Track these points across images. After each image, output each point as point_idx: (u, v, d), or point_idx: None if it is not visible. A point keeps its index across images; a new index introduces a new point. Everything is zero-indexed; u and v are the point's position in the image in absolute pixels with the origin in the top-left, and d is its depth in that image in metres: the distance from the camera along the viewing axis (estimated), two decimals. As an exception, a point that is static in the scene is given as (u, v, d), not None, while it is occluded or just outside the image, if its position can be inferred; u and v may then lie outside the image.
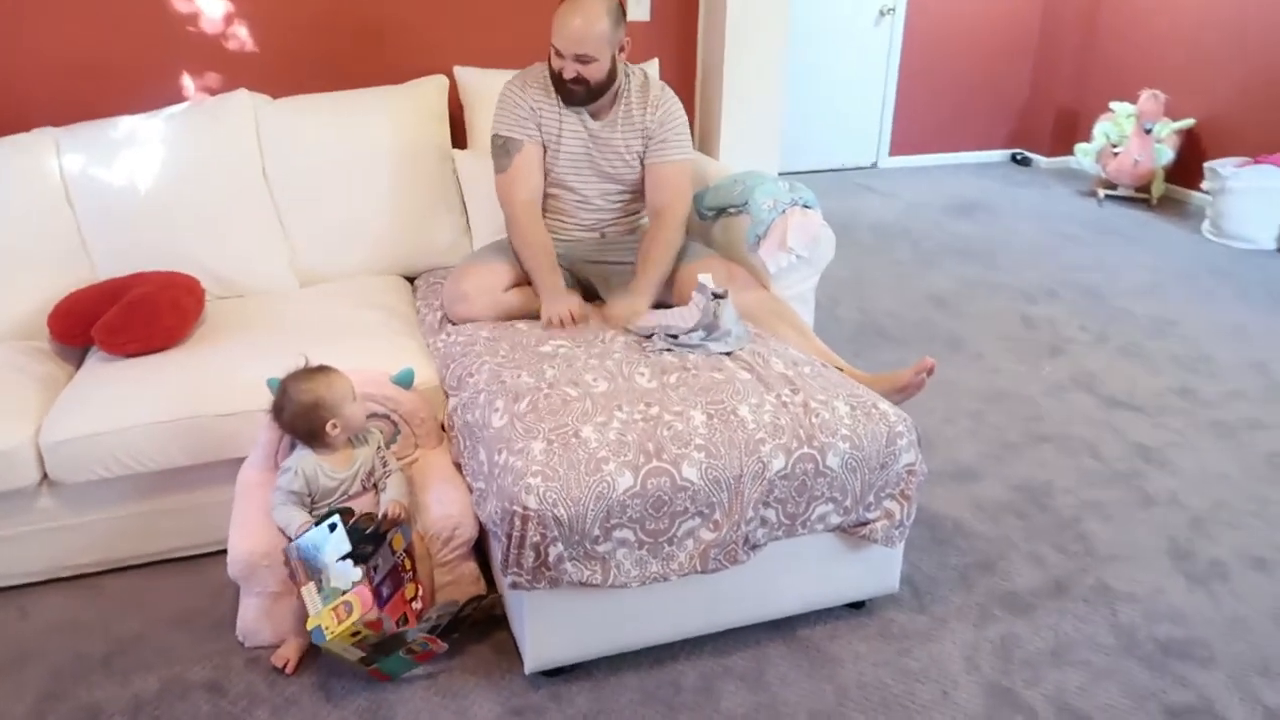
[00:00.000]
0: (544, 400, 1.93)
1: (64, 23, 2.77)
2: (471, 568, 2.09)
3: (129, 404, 2.14)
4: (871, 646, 2.02)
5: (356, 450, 2.03)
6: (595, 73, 2.33)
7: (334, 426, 1.93)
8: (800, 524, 1.89)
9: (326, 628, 1.73)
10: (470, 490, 2.03)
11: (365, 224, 2.82)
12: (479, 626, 2.04)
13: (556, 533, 1.70)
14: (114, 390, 2.19)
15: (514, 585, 1.75)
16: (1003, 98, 6.35)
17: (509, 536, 1.72)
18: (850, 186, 5.86)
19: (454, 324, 2.42)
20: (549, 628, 1.84)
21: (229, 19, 2.92)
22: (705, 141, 3.44)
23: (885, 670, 1.95)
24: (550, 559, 1.72)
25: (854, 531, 1.95)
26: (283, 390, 1.95)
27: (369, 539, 1.84)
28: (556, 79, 2.38)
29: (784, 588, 1.99)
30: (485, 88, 2.98)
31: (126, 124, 2.67)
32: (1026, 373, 3.29)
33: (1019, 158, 6.45)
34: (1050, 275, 4.26)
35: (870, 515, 1.95)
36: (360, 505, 1.99)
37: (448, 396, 2.23)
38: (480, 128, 2.98)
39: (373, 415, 2.17)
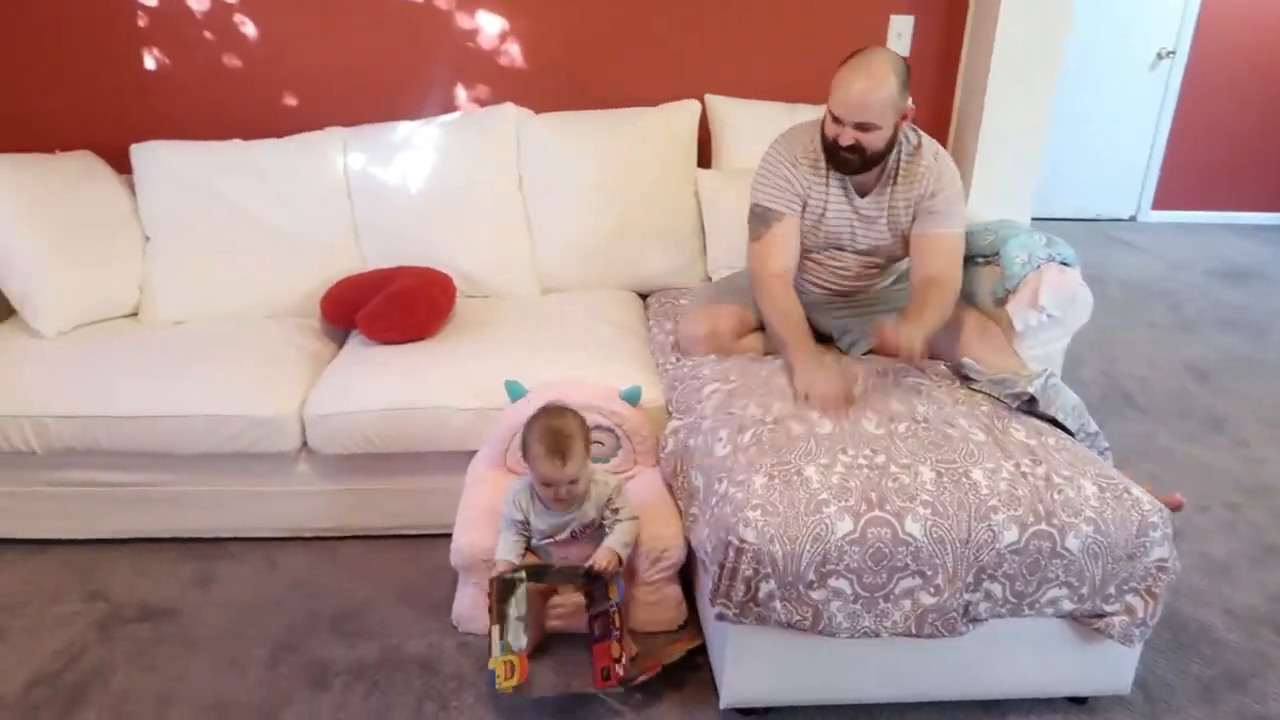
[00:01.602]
0: (768, 435, 1.91)
1: (360, 33, 3.04)
2: (675, 592, 2.10)
3: (380, 388, 2.31)
4: (1091, 747, 1.86)
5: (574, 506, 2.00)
6: (875, 141, 2.13)
7: (556, 498, 1.93)
8: (1028, 604, 1.77)
9: (499, 675, 1.83)
10: (681, 514, 2.04)
11: (607, 239, 2.91)
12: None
13: (770, 570, 1.68)
14: (370, 374, 2.37)
15: (720, 617, 1.74)
16: (1292, 154, 5.73)
17: (721, 567, 1.71)
18: (1104, 239, 5.46)
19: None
20: (750, 665, 1.82)
21: (504, 36, 3.10)
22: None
23: (1105, 776, 1.79)
24: (760, 595, 1.70)
25: (1087, 622, 1.80)
26: (537, 426, 1.92)
27: (582, 577, 1.93)
28: (830, 146, 2.19)
29: (1001, 668, 1.87)
30: (735, 116, 3.02)
31: (405, 128, 2.89)
32: (1299, 468, 2.93)
33: (1306, 222, 5.79)
34: (1336, 359, 3.79)
35: (1108, 608, 1.79)
36: (576, 554, 1.99)
37: (670, 417, 2.26)
38: (727, 152, 3.02)
39: (597, 428, 2.23)
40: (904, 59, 2.16)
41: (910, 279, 2.34)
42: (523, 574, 1.91)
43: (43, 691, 1.94)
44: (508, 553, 1.96)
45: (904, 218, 2.29)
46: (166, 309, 2.71)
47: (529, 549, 2.03)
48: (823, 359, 2.20)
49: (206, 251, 2.77)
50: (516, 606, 1.88)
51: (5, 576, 2.30)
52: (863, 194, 2.29)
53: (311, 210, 2.83)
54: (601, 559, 1.93)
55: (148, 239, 2.79)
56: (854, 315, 2.47)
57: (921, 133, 2.30)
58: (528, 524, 1.99)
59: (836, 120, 2.14)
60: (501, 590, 1.89)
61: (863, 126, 2.10)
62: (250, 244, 2.79)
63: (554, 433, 1.88)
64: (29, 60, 2.97)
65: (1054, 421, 2.06)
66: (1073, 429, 2.07)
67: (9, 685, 1.96)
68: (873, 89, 2.07)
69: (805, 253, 2.40)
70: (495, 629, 1.86)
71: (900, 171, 2.26)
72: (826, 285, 2.47)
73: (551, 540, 2.00)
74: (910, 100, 2.18)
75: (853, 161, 2.18)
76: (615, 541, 1.96)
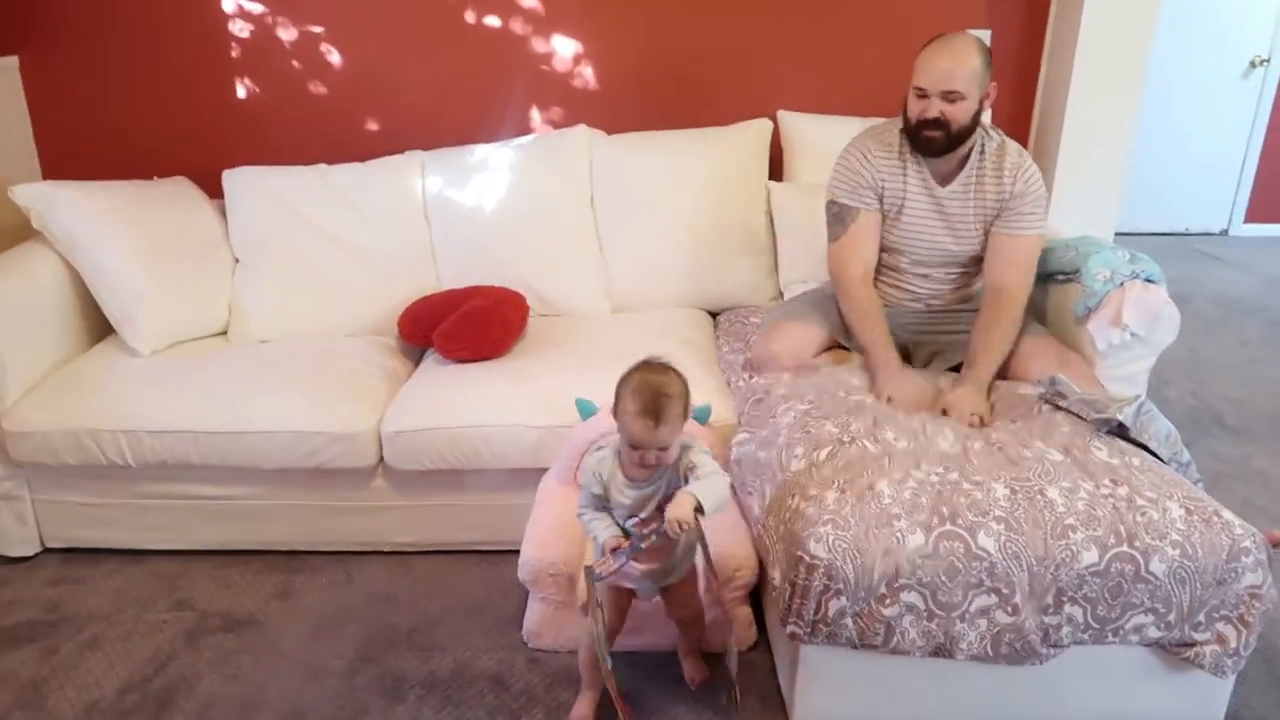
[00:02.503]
0: (843, 451, 1.89)
1: (439, 59, 3.13)
2: (746, 612, 2.09)
3: (455, 406, 2.35)
4: (1181, 783, 1.78)
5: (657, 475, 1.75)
6: (961, 114, 2.14)
7: (642, 463, 1.67)
8: (1111, 631, 1.71)
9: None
10: (750, 528, 2.03)
11: (678, 258, 2.93)
12: (749, 674, 2.03)
13: (841, 585, 1.66)
14: (444, 392, 2.42)
15: (792, 636, 1.73)
16: (1399, 164, 5.45)
17: (792, 585, 1.70)
18: (1194, 254, 5.27)
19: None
20: (821, 687, 1.80)
21: (577, 59, 3.15)
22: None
23: (1196, 814, 1.71)
24: (831, 612, 1.68)
25: (1176, 651, 1.74)
26: (634, 379, 1.68)
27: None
28: (914, 127, 2.20)
29: (1083, 698, 1.81)
30: (808, 132, 3.00)
31: (481, 151, 2.96)
32: None
33: None
34: None
35: (1198, 636, 1.72)
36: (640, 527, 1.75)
37: (738, 433, 2.25)
38: (799, 168, 3.01)
39: (667, 445, 2.23)
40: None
41: (984, 281, 2.33)
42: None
43: (134, 697, 2.02)
44: (607, 530, 1.73)
45: (990, 212, 2.27)
46: (254, 328, 2.81)
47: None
48: (905, 366, 2.24)
49: (291, 273, 2.87)
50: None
51: (101, 585, 2.41)
52: (943, 183, 2.28)
53: (390, 231, 2.91)
54: (675, 513, 1.61)
55: (237, 261, 2.90)
56: (931, 334, 2.43)
57: (1003, 133, 2.30)
58: (607, 499, 1.75)
59: (921, 94, 2.16)
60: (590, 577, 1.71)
61: (948, 96, 2.12)
62: (332, 265, 2.88)
63: (651, 390, 1.62)
64: (129, 91, 3.14)
65: (1145, 448, 1.99)
66: (1165, 458, 2.00)
67: (103, 690, 2.04)
68: (959, 57, 2.12)
69: (887, 252, 2.39)
70: (599, 626, 1.70)
71: (988, 165, 2.25)
72: (908, 290, 2.43)
73: (636, 519, 1.74)
74: (993, 81, 2.20)
75: (938, 139, 2.17)
76: (698, 487, 1.65)
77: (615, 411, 1.68)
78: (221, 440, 2.33)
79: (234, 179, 2.91)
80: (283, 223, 2.88)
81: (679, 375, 1.69)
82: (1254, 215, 5.62)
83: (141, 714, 1.97)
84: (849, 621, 1.69)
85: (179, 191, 2.94)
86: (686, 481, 1.70)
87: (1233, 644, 1.71)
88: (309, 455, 2.34)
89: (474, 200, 2.91)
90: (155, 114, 3.17)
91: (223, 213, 2.94)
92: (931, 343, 2.41)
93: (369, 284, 2.88)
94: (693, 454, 1.73)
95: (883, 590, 1.67)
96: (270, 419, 2.33)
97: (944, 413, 2.12)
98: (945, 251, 2.34)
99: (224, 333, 2.85)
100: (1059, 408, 2.07)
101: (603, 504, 1.76)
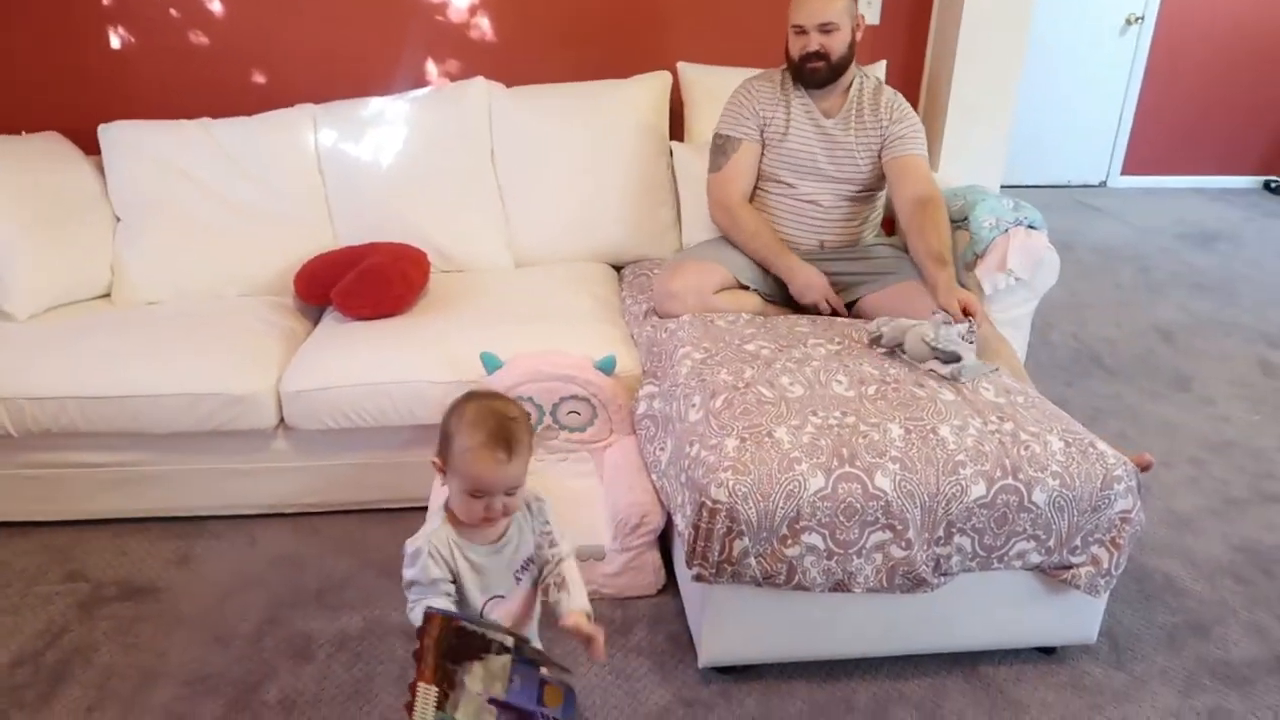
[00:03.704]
0: (739, 399, 1.94)
1: (329, 8, 3.02)
2: (655, 558, 2.13)
3: (357, 364, 2.32)
4: (1060, 696, 1.91)
5: (508, 528, 1.42)
6: (838, 44, 2.38)
7: (486, 516, 1.34)
8: (996, 558, 1.81)
9: None
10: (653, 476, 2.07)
11: (580, 211, 2.92)
12: (655, 620, 2.08)
13: (744, 527, 1.71)
14: (345, 350, 2.38)
15: (697, 577, 1.77)
16: (1259, 117, 5.79)
17: (696, 528, 1.74)
18: (1074, 205, 5.52)
19: (660, 317, 2.47)
20: (726, 625, 1.86)
21: (473, 10, 3.09)
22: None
23: (1073, 723, 1.84)
24: (735, 553, 1.73)
25: (1055, 574, 1.85)
26: (468, 410, 1.36)
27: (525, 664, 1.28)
28: (797, 64, 2.43)
29: (971, 621, 1.91)
30: (707, 84, 3.01)
31: (375, 104, 2.88)
32: (1261, 424, 2.99)
33: (1273, 185, 5.87)
34: (1300, 319, 3.86)
35: (1075, 559, 1.84)
36: (506, 613, 1.43)
37: (644, 382, 2.28)
38: (699, 123, 3.02)
39: (572, 397, 2.25)
40: None
41: (897, 206, 2.49)
42: (508, 640, 1.25)
43: (26, 671, 1.95)
44: (443, 603, 1.33)
45: (874, 140, 2.49)
46: (139, 290, 2.70)
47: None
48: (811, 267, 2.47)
49: (178, 232, 2.75)
50: (486, 678, 1.23)
51: (-16, 559, 2.31)
52: (828, 116, 2.50)
53: (283, 188, 2.82)
54: (579, 625, 1.37)
55: (118, 220, 2.78)
56: (847, 272, 2.52)
57: (878, 74, 2.57)
58: (455, 580, 1.36)
59: (800, 31, 2.40)
60: (450, 637, 1.21)
61: (825, 28, 2.37)
62: (222, 223, 2.77)
63: (496, 416, 1.33)
64: (-10, 41, 2.94)
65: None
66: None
67: (-8, 665, 1.97)
68: None
69: (774, 184, 2.54)
70: (431, 688, 1.18)
71: (865, 98, 2.50)
72: (801, 224, 2.54)
73: (497, 598, 1.41)
74: (860, 15, 2.45)
75: (821, 70, 2.42)
76: (582, 601, 1.42)
77: (444, 455, 1.36)
78: (109, 405, 2.24)
79: (111, 134, 2.77)
80: (166, 180, 2.76)
81: (513, 401, 1.43)
82: (1130, 168, 5.92)
83: (35, 688, 1.90)
84: (752, 562, 1.75)
85: (50, 147, 2.78)
86: (541, 548, 1.46)
87: (1105, 565, 1.84)
88: (205, 418, 2.27)
89: (370, 155, 2.84)
90: (21, 64, 2.97)
91: (100, 169, 2.80)
92: (834, 282, 2.49)
93: (261, 242, 2.80)
94: (548, 514, 1.47)
95: (784, 531, 1.73)
96: (161, 382, 2.25)
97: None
98: (831, 178, 2.52)
99: (107, 295, 2.73)
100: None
101: (449, 588, 1.35)
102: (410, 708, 1.19)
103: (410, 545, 1.37)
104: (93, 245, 2.71)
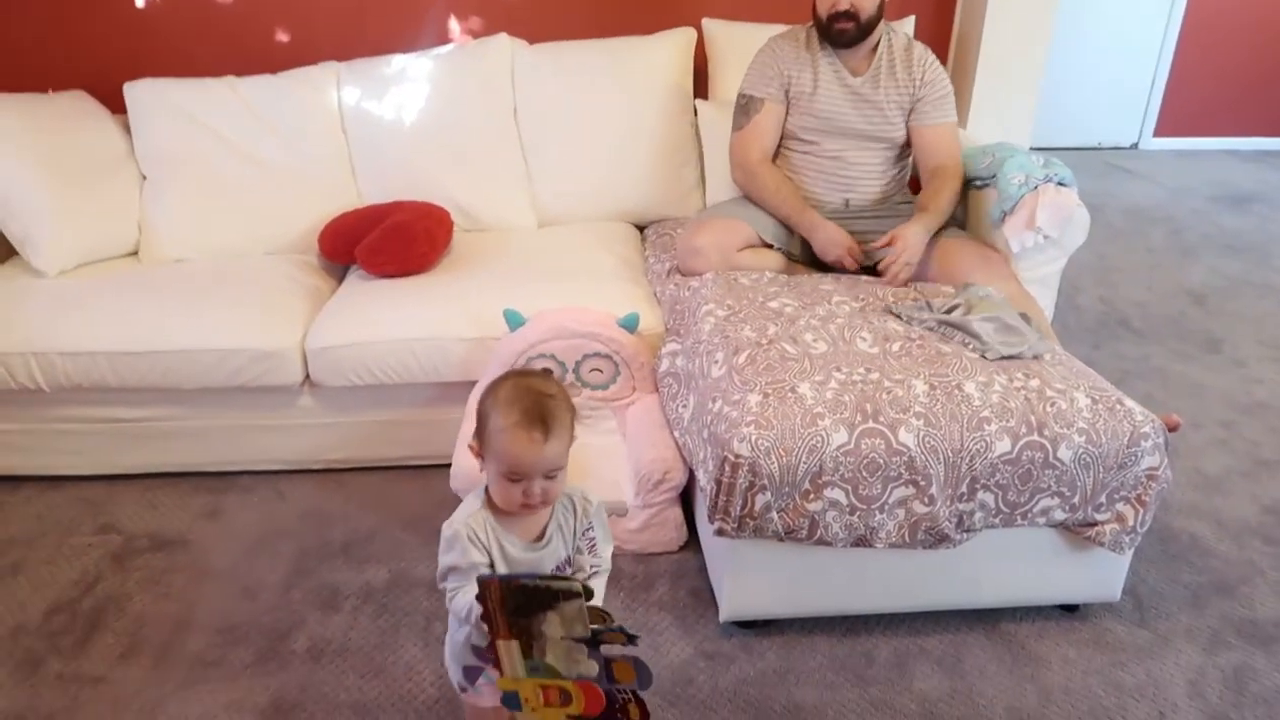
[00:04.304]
0: (762, 355, 1.93)
1: (352, -35, 3.01)
2: (676, 514, 2.14)
3: (381, 321, 2.33)
4: (1082, 653, 1.91)
5: (548, 519, 1.35)
6: (868, 4, 2.34)
7: (525, 501, 1.27)
8: (1020, 515, 1.80)
9: (527, 700, 1.23)
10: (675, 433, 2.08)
11: (604, 170, 2.91)
12: (677, 575, 2.09)
13: (766, 482, 1.71)
14: (370, 307, 2.39)
15: (719, 532, 1.78)
16: (1299, 77, 5.66)
17: (718, 483, 1.74)
18: (1105, 167, 5.42)
19: (684, 275, 2.46)
20: (748, 580, 1.87)
21: (496, -35, 3.06)
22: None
23: (1096, 680, 1.84)
24: (757, 508, 1.73)
25: (1079, 531, 1.84)
26: (503, 388, 1.28)
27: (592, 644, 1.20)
28: (825, 23, 2.39)
29: (994, 577, 1.91)
30: (732, 40, 2.97)
31: (399, 61, 2.87)
32: (1294, 386, 2.95)
33: (1311, 147, 5.74)
34: (1336, 281, 3.79)
35: (1100, 516, 1.83)
36: None
37: (667, 340, 2.28)
38: (724, 80, 2.99)
39: (595, 355, 2.26)
40: None
41: (920, 172, 2.53)
42: (575, 585, 1.14)
43: (61, 618, 1.99)
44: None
45: (905, 99, 2.47)
46: (166, 247, 2.72)
47: None
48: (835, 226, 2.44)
49: (204, 190, 2.77)
50: (564, 623, 1.16)
51: (19, 512, 2.35)
52: (855, 75, 2.47)
53: (307, 146, 2.82)
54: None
55: (144, 178, 2.79)
56: (873, 230, 2.48)
57: (908, 31, 2.56)
58: (492, 567, 1.30)
59: None
60: (513, 596, 1.15)
61: None
62: (247, 181, 2.78)
63: (532, 394, 1.26)
64: (19, 0, 2.94)
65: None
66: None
67: (29, 614, 2.01)
68: None
69: (803, 142, 2.52)
70: (514, 643, 1.18)
71: (896, 55, 2.47)
72: (828, 180, 2.53)
73: None
74: None
75: (849, 31, 2.37)
76: (599, 600, 1.34)
77: (481, 437, 1.29)
78: (139, 360, 2.27)
79: (136, 92, 2.78)
80: (191, 137, 2.77)
81: (555, 379, 1.36)
82: (1162, 130, 5.80)
83: (71, 635, 1.95)
84: (774, 516, 1.75)
85: (77, 105, 2.80)
86: (581, 552, 1.38)
87: (1130, 522, 1.83)
88: (232, 374, 2.29)
89: (393, 113, 2.83)
90: (47, 23, 2.98)
91: (126, 128, 2.81)
92: (860, 241, 2.46)
93: (286, 201, 2.81)
94: (593, 517, 1.39)
95: (807, 486, 1.73)
96: (190, 337, 2.28)
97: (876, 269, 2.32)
98: (861, 134, 2.49)
99: (135, 253, 2.75)
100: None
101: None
102: (499, 666, 1.19)
103: (447, 529, 1.29)
104: (120, 203, 2.73)
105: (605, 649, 1.20)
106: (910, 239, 2.30)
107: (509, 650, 1.19)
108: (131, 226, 2.73)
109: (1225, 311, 3.49)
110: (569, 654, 1.18)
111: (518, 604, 1.15)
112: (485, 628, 1.17)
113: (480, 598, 1.16)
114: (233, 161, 2.78)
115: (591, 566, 1.40)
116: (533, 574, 1.20)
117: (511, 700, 1.24)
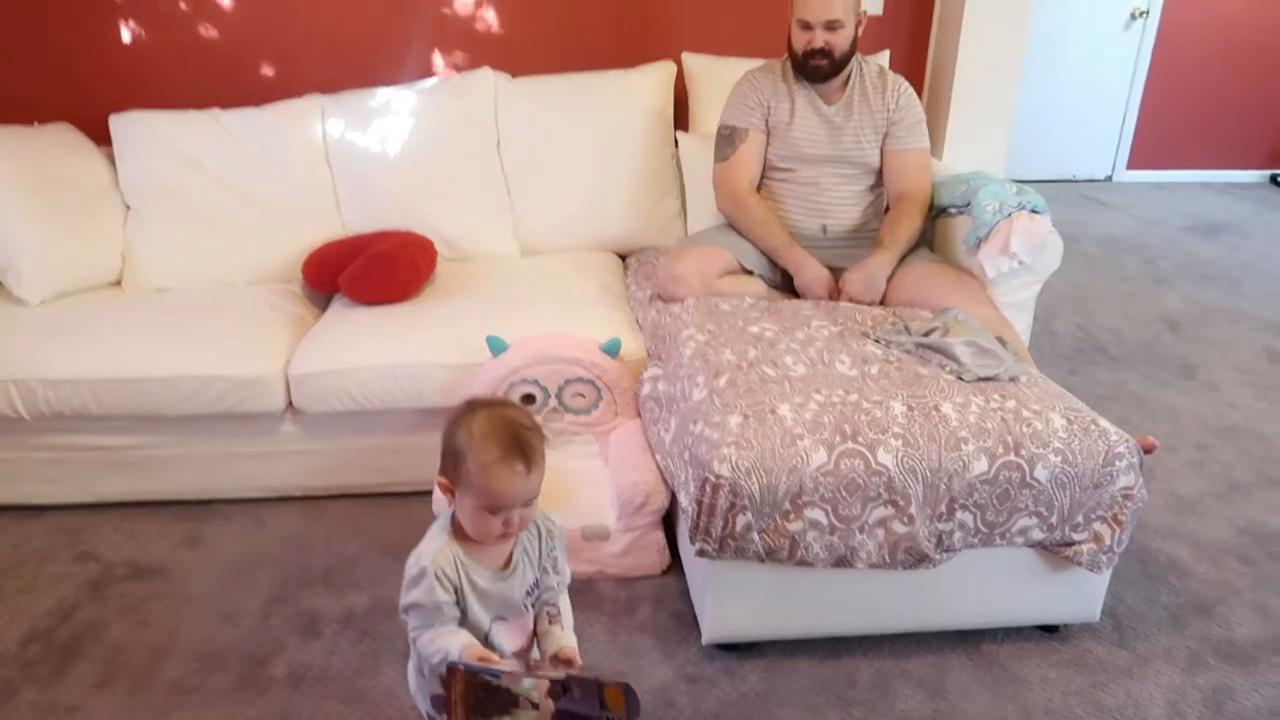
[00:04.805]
0: (743, 378, 1.95)
1: (337, 0, 3.05)
2: (659, 537, 2.15)
3: (364, 347, 2.34)
4: (1063, 674, 1.91)
5: (513, 545, 1.35)
6: (841, 41, 2.40)
7: (504, 531, 1.27)
8: (999, 534, 1.82)
9: None
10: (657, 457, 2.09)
11: (586, 201, 2.94)
12: (659, 598, 2.09)
13: (746, 502, 1.72)
14: (353, 334, 2.40)
15: (700, 553, 1.79)
16: (1266, 111, 5.78)
17: (699, 504, 1.75)
18: (1080, 199, 5.51)
19: (665, 302, 2.48)
20: (730, 602, 1.87)
21: (479, 3, 3.11)
22: (929, 139, 3.34)
23: (1076, 700, 1.85)
24: (738, 528, 1.74)
25: (1057, 551, 1.86)
26: (476, 422, 1.26)
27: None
28: (800, 59, 2.45)
29: (974, 598, 1.92)
30: (711, 74, 3.03)
31: (383, 94, 2.90)
32: (1267, 410, 2.99)
33: (1280, 179, 5.86)
34: (1306, 309, 3.86)
35: (1077, 536, 1.85)
36: (512, 635, 1.37)
37: (649, 365, 2.30)
38: (704, 112, 3.04)
39: (578, 380, 2.27)
40: None
41: (889, 196, 2.59)
42: (535, 696, 1.18)
43: (38, 647, 1.97)
44: (461, 645, 1.25)
45: (879, 124, 2.53)
46: (149, 277, 2.73)
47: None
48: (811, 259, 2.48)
49: (188, 220, 2.78)
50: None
51: (-3, 541, 2.33)
52: (829, 103, 2.54)
53: (291, 177, 2.85)
54: (570, 656, 1.35)
55: (129, 208, 2.80)
56: (851, 258, 2.52)
57: (880, 62, 2.63)
58: (459, 604, 1.29)
59: (805, 26, 2.41)
60: (476, 691, 1.19)
61: (830, 25, 2.37)
62: (231, 212, 2.80)
63: (510, 427, 1.24)
64: (6, 34, 2.97)
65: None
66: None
67: (4, 643, 1.99)
68: None
69: (779, 171, 2.57)
70: None
71: (869, 83, 2.54)
72: (805, 206, 2.57)
73: (501, 619, 1.35)
74: (863, 9, 2.47)
75: (823, 66, 2.44)
76: (570, 635, 1.41)
77: (452, 472, 1.26)
78: (121, 388, 2.27)
79: (122, 124, 2.80)
80: (176, 169, 2.79)
81: (521, 408, 1.35)
82: (1135, 162, 5.91)
83: (47, 664, 1.92)
84: (755, 537, 1.76)
85: (62, 137, 2.81)
86: (546, 572, 1.39)
87: (1108, 541, 1.85)
88: (214, 400, 2.29)
89: (377, 145, 2.86)
90: (33, 58, 3.01)
91: (111, 159, 2.82)
92: (838, 269, 2.50)
93: (270, 231, 2.82)
94: (557, 540, 1.40)
95: (787, 506, 1.75)
96: (172, 365, 2.28)
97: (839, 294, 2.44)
98: (832, 156, 2.54)
99: (118, 283, 2.76)
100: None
101: (455, 610, 1.29)
102: None
103: (413, 565, 1.28)
104: (104, 233, 2.74)
105: (597, 673, 1.22)
106: (855, 289, 2.40)
107: None
108: (115, 256, 2.74)
109: (1199, 338, 3.54)
110: None
111: (478, 699, 1.18)
112: (446, 712, 1.20)
113: (445, 684, 1.19)
114: (217, 192, 2.80)
115: (558, 585, 1.42)
116: (497, 672, 1.20)
117: None
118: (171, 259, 2.75)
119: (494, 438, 1.23)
